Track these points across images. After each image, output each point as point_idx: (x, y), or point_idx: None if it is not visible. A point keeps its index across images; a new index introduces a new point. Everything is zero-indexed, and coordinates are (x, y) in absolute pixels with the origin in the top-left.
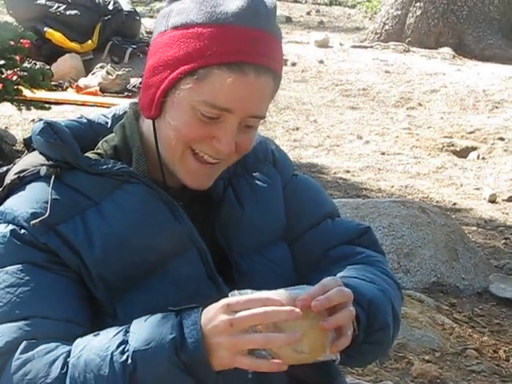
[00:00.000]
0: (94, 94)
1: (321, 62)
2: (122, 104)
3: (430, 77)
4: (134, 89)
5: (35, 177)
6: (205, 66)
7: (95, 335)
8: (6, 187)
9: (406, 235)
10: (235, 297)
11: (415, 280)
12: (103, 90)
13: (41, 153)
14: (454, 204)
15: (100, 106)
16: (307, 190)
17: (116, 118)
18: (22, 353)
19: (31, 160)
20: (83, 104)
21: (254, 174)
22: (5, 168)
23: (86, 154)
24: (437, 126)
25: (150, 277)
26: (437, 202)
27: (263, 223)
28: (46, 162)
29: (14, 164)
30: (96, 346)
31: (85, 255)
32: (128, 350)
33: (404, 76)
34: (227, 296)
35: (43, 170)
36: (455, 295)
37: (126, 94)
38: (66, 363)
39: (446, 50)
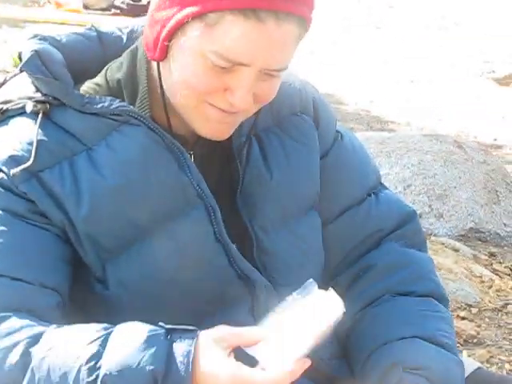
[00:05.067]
0: (76, 11)
1: None
2: (143, 20)
3: None
4: (122, 5)
5: (20, 111)
6: (215, 9)
7: (69, 332)
8: None
9: (438, 174)
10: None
11: (449, 226)
12: (86, 7)
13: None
14: (495, 139)
15: (83, 26)
16: (351, 161)
17: (133, 36)
18: None
19: (18, 88)
20: (63, 23)
21: (287, 130)
22: None
23: (84, 86)
24: (475, 49)
25: (147, 237)
26: (475, 136)
27: (293, 191)
28: (34, 95)
29: (5, 82)
30: (65, 351)
31: (71, 210)
32: (99, 370)
33: None
34: (237, 263)
35: (29, 106)
36: (495, 243)
37: (113, 11)
38: (26, 352)
39: None
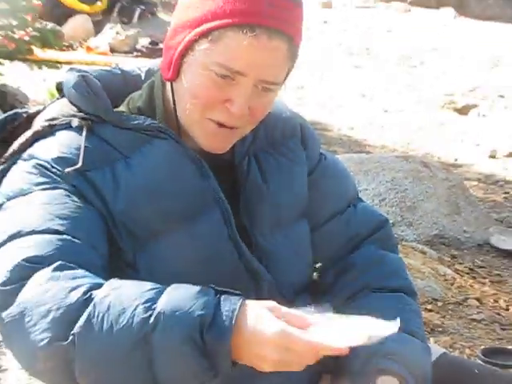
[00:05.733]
0: (104, 53)
1: (325, 22)
2: (158, 60)
3: (431, 36)
4: (142, 48)
5: (66, 127)
6: (218, 27)
7: (127, 282)
8: (36, 133)
9: (408, 189)
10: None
11: (418, 232)
12: (113, 50)
13: (72, 103)
14: (456, 159)
15: (109, 66)
16: (334, 176)
17: (150, 74)
18: (53, 270)
19: (62, 109)
20: (93, 63)
21: (280, 150)
22: (35, 109)
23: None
24: (438, 84)
25: (172, 231)
26: (438, 157)
27: (286, 201)
28: (78, 114)
29: (45, 108)
30: (125, 293)
31: (110, 203)
32: (154, 309)
33: (405, 35)
34: (246, 258)
35: (75, 122)
36: (457, 247)
37: (135, 53)
38: (88, 292)
39: (448, 10)
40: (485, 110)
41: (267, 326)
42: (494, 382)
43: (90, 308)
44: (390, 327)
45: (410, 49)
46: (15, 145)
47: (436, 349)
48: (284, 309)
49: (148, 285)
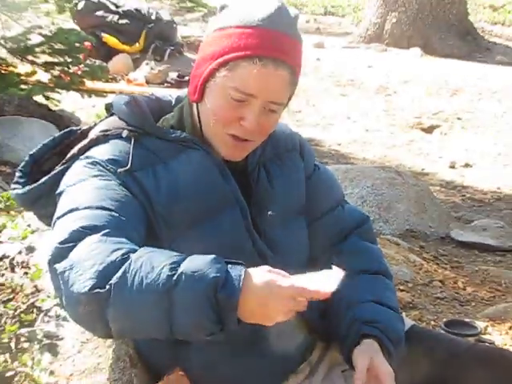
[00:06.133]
0: (141, 85)
1: (318, 59)
2: (185, 90)
3: (403, 70)
4: (172, 81)
5: (117, 136)
6: (234, 58)
7: (160, 250)
8: (92, 140)
9: (385, 193)
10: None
11: (392, 228)
12: (148, 82)
13: (121, 119)
14: (423, 169)
15: (146, 94)
16: (326, 182)
17: (179, 100)
18: (101, 235)
19: (113, 123)
20: (132, 93)
21: (284, 161)
22: (87, 126)
23: None
24: (409, 109)
25: (199, 224)
26: (409, 167)
27: (288, 201)
28: (127, 127)
29: (96, 124)
30: (156, 256)
31: (153, 198)
32: (177, 270)
33: (382, 70)
34: (258, 245)
35: (125, 133)
36: (423, 239)
37: (166, 84)
38: (126, 254)
39: (416, 50)
40: (446, 130)
41: (279, 282)
42: (453, 346)
43: (126, 265)
44: (338, 272)
45: (386, 81)
46: (74, 149)
47: (407, 321)
48: (275, 270)
49: (174, 253)
